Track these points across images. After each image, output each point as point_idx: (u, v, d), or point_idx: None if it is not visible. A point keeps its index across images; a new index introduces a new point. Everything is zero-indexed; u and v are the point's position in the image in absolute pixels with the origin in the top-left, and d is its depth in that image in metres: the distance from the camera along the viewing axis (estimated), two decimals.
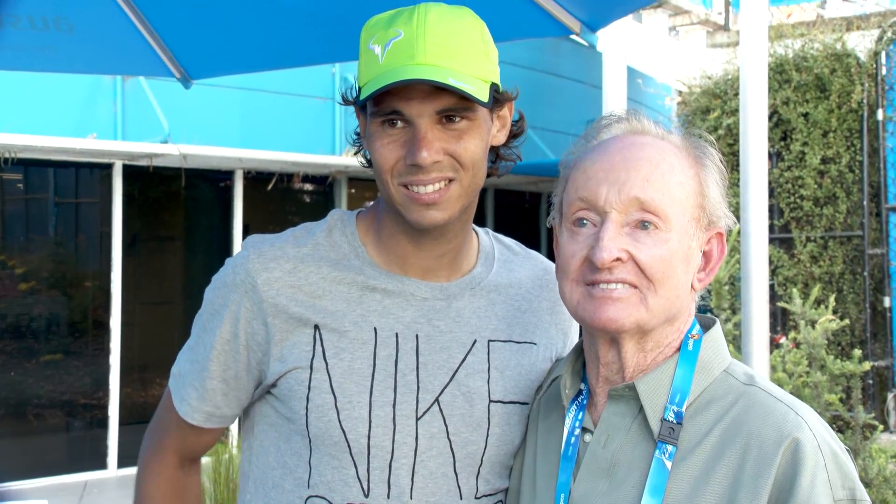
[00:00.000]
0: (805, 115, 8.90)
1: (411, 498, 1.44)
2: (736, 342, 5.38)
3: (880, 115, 8.73)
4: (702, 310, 6.04)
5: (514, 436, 1.52)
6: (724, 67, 9.59)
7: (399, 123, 1.41)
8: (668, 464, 1.34)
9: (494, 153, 1.55)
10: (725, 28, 14.34)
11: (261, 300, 1.48)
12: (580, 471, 1.41)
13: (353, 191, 10.16)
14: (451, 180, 1.42)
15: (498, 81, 1.48)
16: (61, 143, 7.46)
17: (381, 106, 1.41)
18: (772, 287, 8.48)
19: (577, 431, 1.44)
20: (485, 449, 1.49)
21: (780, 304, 7.01)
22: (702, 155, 1.44)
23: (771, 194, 8.61)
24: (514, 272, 1.63)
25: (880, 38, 8.83)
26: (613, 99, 4.47)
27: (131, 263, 8.37)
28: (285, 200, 9.74)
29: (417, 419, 1.45)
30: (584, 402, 1.46)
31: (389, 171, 1.42)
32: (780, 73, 8.94)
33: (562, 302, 1.44)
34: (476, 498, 1.48)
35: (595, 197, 1.37)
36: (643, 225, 1.35)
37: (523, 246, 1.70)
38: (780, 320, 8.56)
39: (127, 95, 8.14)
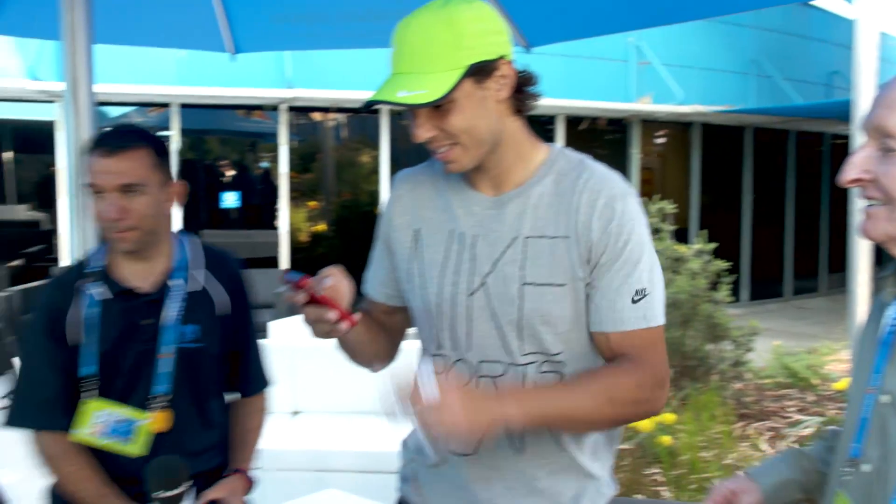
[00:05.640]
0: None
1: (469, 349, 1.74)
2: None
3: None
4: None
5: (547, 309, 1.68)
6: None
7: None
8: None
9: (515, 98, 1.68)
10: None
11: (392, 211, 1.85)
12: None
13: (644, 131, 12.46)
14: (453, 144, 1.64)
15: (483, 57, 1.59)
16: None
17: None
18: None
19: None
20: (518, 319, 1.70)
21: None
22: None
23: None
24: (562, 183, 1.71)
25: None
26: (865, 58, 4.87)
27: None
28: (592, 139, 12.07)
29: (469, 295, 1.73)
30: None
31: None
32: None
33: (602, 206, 1.65)
34: (522, 355, 1.72)
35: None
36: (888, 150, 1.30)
37: (594, 162, 1.75)
38: None
39: None
